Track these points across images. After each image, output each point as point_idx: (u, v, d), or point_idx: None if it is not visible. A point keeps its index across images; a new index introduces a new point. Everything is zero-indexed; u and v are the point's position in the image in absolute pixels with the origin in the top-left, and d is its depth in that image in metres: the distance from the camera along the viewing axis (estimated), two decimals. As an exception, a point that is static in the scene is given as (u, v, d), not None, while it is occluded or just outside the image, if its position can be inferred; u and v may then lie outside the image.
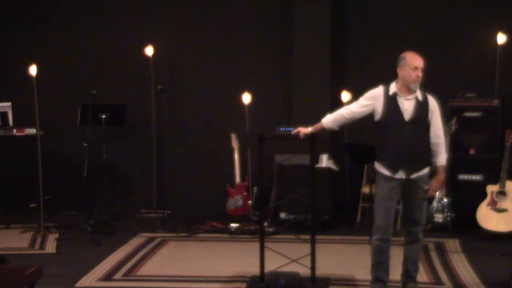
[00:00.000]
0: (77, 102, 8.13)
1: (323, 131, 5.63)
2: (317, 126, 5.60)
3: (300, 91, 8.21)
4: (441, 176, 5.49)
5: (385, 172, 5.44)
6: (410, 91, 5.39)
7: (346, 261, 6.49)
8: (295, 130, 5.63)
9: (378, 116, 5.44)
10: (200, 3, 8.76)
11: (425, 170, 5.45)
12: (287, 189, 7.35)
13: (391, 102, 5.38)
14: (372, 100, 5.47)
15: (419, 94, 5.40)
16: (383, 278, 5.56)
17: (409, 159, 5.35)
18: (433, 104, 5.43)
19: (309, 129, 5.57)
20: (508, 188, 7.11)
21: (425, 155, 5.43)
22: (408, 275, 5.61)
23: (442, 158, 5.46)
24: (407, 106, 5.36)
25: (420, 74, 5.37)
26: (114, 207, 8.41)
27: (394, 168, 5.40)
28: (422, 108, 5.36)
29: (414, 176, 5.39)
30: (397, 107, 5.35)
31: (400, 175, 5.38)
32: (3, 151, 8.23)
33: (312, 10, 8.14)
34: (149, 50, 8.53)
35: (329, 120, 5.58)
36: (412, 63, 5.37)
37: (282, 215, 7.77)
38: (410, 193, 5.47)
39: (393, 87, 5.43)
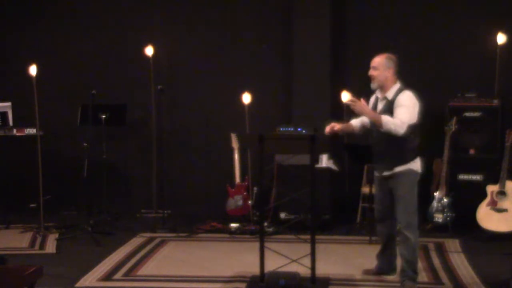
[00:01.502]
0: (77, 102, 8.14)
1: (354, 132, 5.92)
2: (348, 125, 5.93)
3: (300, 91, 8.21)
4: (373, 112, 5.54)
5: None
6: (382, 92, 5.62)
7: (346, 261, 6.48)
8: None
9: None
10: (200, 3, 8.76)
11: (399, 168, 5.59)
12: (287, 189, 7.34)
13: (373, 104, 5.73)
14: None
15: (389, 94, 5.57)
16: (386, 257, 5.97)
17: (379, 157, 5.63)
18: (400, 100, 5.50)
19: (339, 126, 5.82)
20: (508, 188, 7.11)
21: (397, 154, 5.55)
22: (403, 273, 5.69)
23: (390, 117, 5.44)
24: (380, 107, 5.62)
25: (371, 72, 5.61)
26: (114, 207, 8.40)
27: (374, 166, 5.76)
28: (389, 108, 5.53)
29: (386, 174, 5.63)
30: (374, 108, 5.65)
31: (377, 172, 5.78)
32: (3, 151, 8.23)
33: (312, 10, 8.13)
34: (149, 50, 8.52)
35: (356, 121, 5.94)
36: None
37: (282, 215, 7.77)
38: (391, 190, 5.67)
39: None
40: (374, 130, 5.61)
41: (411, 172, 5.61)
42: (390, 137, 5.45)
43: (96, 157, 7.93)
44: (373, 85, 5.63)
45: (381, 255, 6.00)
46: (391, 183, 5.64)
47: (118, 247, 7.03)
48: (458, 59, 8.14)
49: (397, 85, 5.60)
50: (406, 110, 5.45)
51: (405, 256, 5.65)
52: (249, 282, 5.74)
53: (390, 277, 5.91)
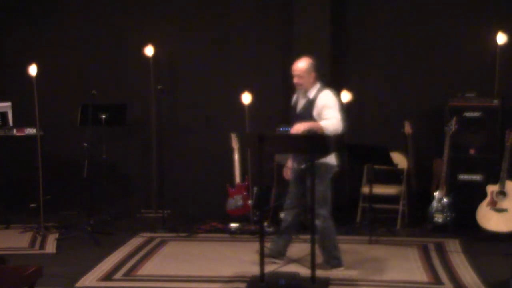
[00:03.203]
0: (77, 102, 8.13)
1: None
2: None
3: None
4: (307, 123, 5.84)
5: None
6: (305, 92, 6.12)
7: (346, 261, 6.47)
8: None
9: None
10: (200, 3, 8.76)
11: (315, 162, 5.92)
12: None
13: (295, 101, 6.26)
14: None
15: (311, 94, 6.08)
16: (280, 241, 6.33)
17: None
18: (321, 100, 6.00)
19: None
20: (508, 188, 7.11)
21: None
22: (326, 262, 6.17)
23: (323, 122, 5.87)
24: (301, 104, 6.15)
25: (296, 80, 6.11)
26: (114, 207, 8.41)
27: (294, 158, 6.23)
28: (310, 105, 6.04)
29: (303, 166, 6.01)
30: (296, 105, 6.21)
31: (296, 165, 6.17)
32: (3, 151, 8.23)
33: (312, 10, 8.13)
34: (149, 50, 8.53)
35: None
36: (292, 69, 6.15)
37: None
38: (305, 182, 6.02)
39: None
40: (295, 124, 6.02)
41: (324, 165, 6.00)
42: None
43: (96, 157, 7.93)
44: (300, 91, 6.16)
45: (277, 239, 6.28)
46: (306, 174, 6.01)
47: (118, 247, 7.03)
48: (458, 59, 8.14)
49: (318, 85, 6.11)
50: (334, 109, 5.96)
51: (319, 242, 6.05)
52: (249, 282, 5.74)
53: (278, 261, 6.18)
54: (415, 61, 8.27)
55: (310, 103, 6.05)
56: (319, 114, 5.96)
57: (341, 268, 6.12)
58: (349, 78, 8.42)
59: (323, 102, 5.98)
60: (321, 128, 5.81)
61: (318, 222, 5.98)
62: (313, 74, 6.09)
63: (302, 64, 6.09)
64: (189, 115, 8.78)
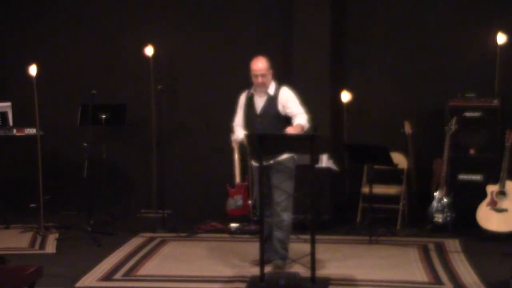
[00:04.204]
0: (77, 102, 8.13)
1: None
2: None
3: (300, 91, 8.18)
4: (295, 127, 5.93)
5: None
6: (262, 90, 6.12)
7: (346, 261, 6.48)
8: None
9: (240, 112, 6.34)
10: (200, 3, 8.76)
11: (282, 157, 6.03)
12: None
13: (248, 101, 6.22)
14: (240, 104, 6.34)
15: (271, 90, 6.14)
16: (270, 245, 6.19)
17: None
18: (283, 96, 6.11)
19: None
20: (508, 188, 7.11)
21: None
22: (276, 253, 6.15)
23: (298, 120, 5.99)
24: (260, 103, 6.15)
25: (260, 80, 6.10)
26: (114, 207, 8.41)
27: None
28: (271, 101, 6.10)
29: (269, 162, 6.01)
30: (250, 107, 6.20)
31: (263, 162, 5.99)
32: (3, 151, 8.23)
33: (312, 10, 8.13)
34: (149, 50, 8.53)
35: (237, 136, 6.36)
36: (252, 70, 6.16)
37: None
38: (270, 178, 6.04)
39: (252, 89, 6.23)
40: (257, 123, 6.08)
41: (291, 159, 6.08)
42: (274, 128, 5.95)
43: (96, 157, 7.93)
44: (257, 90, 6.15)
45: (267, 244, 6.15)
46: (271, 170, 6.05)
47: (118, 247, 7.03)
48: (458, 59, 8.13)
49: (273, 82, 6.18)
50: (298, 102, 6.11)
51: (279, 237, 6.12)
52: (249, 282, 5.74)
53: (279, 262, 6.15)
54: (415, 61, 8.27)
55: (273, 99, 6.11)
56: (284, 108, 6.08)
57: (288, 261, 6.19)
58: (349, 78, 8.42)
59: (286, 96, 6.12)
60: (303, 127, 5.95)
61: (287, 217, 6.12)
62: (271, 71, 6.17)
63: (263, 63, 6.13)
64: (189, 115, 8.78)
